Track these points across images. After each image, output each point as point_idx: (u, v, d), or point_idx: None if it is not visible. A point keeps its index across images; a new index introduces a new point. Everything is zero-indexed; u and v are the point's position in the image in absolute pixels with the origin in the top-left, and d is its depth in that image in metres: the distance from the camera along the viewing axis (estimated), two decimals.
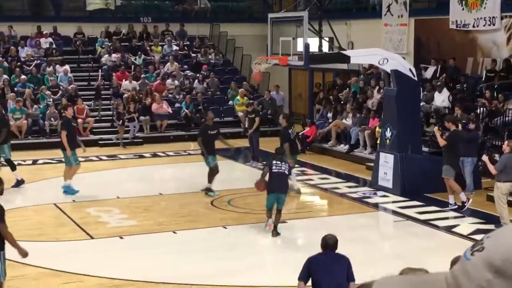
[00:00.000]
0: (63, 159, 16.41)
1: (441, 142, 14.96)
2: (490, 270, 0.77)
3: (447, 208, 14.84)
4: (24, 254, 8.99)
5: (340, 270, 7.80)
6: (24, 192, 16.44)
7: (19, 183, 16.40)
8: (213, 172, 15.94)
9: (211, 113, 17.39)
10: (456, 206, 14.73)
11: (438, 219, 14.14)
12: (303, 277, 7.87)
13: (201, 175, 16.47)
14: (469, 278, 0.79)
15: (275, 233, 12.75)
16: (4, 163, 16.83)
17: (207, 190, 15.93)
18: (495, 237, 0.84)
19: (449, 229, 13.50)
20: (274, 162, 12.86)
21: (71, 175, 15.97)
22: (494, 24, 20.06)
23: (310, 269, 7.84)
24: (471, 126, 16.66)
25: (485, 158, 13.63)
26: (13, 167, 16.60)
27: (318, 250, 12.07)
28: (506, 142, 13.44)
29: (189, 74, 27.33)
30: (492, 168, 12.89)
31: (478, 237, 12.54)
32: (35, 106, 23.43)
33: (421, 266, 9.37)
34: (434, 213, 14.50)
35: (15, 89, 24.15)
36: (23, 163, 20.19)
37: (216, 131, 16.32)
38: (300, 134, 22.67)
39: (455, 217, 14.36)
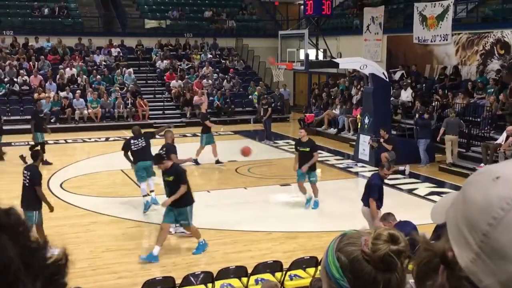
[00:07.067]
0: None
1: (388, 147, 15.04)
2: None
3: (406, 175, 14.86)
4: (52, 209, 8.85)
5: None
6: (100, 160, 16.56)
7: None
8: None
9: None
10: (408, 172, 15.04)
11: (402, 184, 14.12)
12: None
13: (227, 149, 16.48)
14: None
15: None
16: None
17: None
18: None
19: (410, 191, 13.48)
20: (132, 141, 11.21)
21: None
22: (446, 40, 19.86)
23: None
24: (426, 116, 16.62)
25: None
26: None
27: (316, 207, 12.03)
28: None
29: (220, 75, 27.26)
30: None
31: (432, 197, 12.58)
32: (109, 99, 23.50)
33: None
34: (398, 179, 14.46)
35: (93, 85, 24.18)
36: (98, 140, 20.35)
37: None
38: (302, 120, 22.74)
39: (414, 183, 14.34)
